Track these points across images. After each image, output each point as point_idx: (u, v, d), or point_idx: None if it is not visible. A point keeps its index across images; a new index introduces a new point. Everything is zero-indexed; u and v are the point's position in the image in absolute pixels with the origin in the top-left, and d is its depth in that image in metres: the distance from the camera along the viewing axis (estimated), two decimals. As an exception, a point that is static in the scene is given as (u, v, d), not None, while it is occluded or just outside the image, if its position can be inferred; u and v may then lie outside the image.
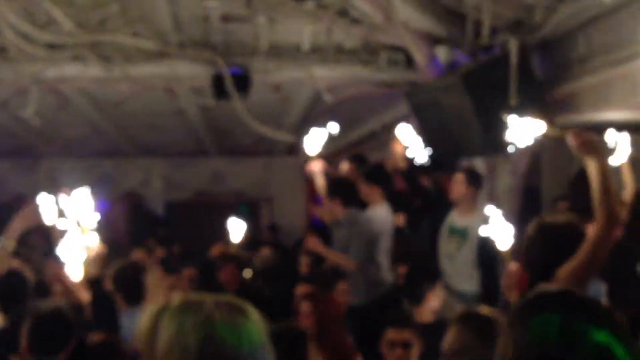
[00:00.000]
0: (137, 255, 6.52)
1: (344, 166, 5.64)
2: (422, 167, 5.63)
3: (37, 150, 9.08)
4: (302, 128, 5.83)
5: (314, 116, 6.92)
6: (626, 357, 1.45)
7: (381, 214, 5.17)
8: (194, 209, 10.37)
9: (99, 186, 3.88)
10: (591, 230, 2.77)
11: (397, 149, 5.35)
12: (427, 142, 5.17)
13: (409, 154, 5.25)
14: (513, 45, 4.57)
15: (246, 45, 5.50)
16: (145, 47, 5.30)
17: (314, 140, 5.13)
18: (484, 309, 2.54)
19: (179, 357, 1.44)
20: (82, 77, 5.60)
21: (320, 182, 5.31)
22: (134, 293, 3.99)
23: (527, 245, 2.99)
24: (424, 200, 5.55)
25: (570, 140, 2.82)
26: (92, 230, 3.41)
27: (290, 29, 5.24)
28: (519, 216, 4.83)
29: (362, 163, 5.62)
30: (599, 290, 3.63)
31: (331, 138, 5.16)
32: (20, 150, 9.02)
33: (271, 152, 9.45)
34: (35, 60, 5.34)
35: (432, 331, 3.63)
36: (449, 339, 2.46)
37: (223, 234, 5.89)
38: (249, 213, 10.11)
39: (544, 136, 3.04)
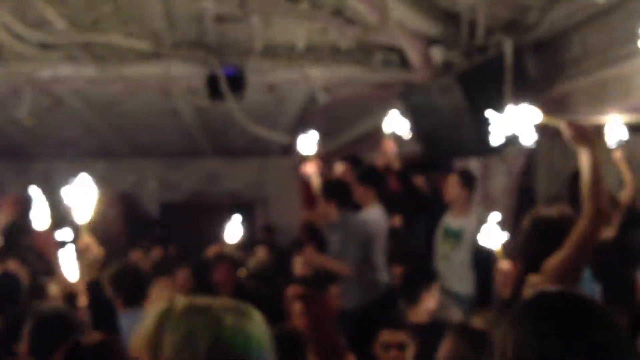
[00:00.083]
0: (135, 255, 6.51)
1: (339, 167, 5.62)
2: (416, 167, 5.63)
3: (30, 151, 9.04)
4: (297, 128, 5.82)
5: (309, 117, 6.92)
6: (624, 358, 1.45)
7: (375, 216, 5.16)
8: (189, 209, 10.35)
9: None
10: (578, 224, 2.75)
11: (388, 147, 5.33)
12: (422, 142, 5.17)
13: (400, 143, 5.23)
14: (507, 46, 4.58)
15: (240, 45, 5.49)
16: (139, 47, 5.29)
17: (308, 142, 5.12)
18: (478, 321, 2.52)
19: None
20: (76, 77, 5.59)
21: (315, 183, 5.30)
22: (133, 295, 3.97)
23: (521, 238, 3.01)
24: (418, 201, 5.55)
25: (565, 129, 2.77)
26: (88, 231, 3.39)
27: (284, 29, 5.24)
28: (514, 216, 4.83)
29: (357, 164, 5.61)
30: (592, 290, 3.62)
31: (322, 140, 5.14)
32: (13, 151, 8.99)
33: (266, 152, 9.44)
34: (29, 60, 5.33)
35: (427, 332, 3.63)
36: (444, 349, 2.46)
37: (218, 234, 5.87)
38: (244, 214, 10.09)
39: (540, 126, 2.97)
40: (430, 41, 5.08)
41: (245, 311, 1.52)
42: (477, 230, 3.58)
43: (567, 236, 2.74)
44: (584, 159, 2.73)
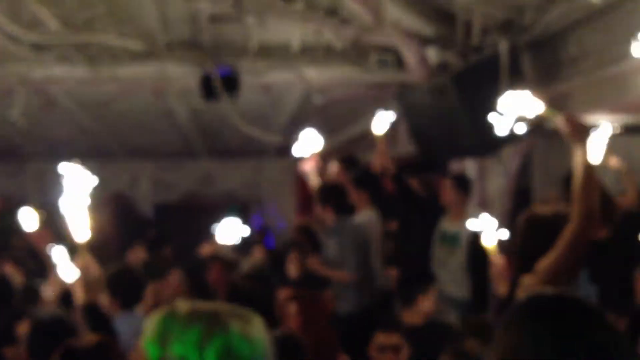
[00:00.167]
0: (133, 255, 6.46)
1: (334, 168, 5.61)
2: (411, 168, 5.61)
3: (23, 151, 9.00)
4: (292, 129, 5.80)
5: (305, 117, 6.90)
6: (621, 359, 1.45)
7: (370, 219, 5.16)
8: (183, 210, 10.31)
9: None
10: (569, 225, 2.69)
11: (382, 150, 5.33)
12: (418, 143, 5.16)
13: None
14: (503, 46, 4.57)
15: (235, 45, 5.48)
16: (132, 47, 5.27)
17: (307, 141, 5.09)
18: (472, 344, 2.51)
19: None
20: (69, 78, 5.57)
21: (313, 181, 5.28)
22: (130, 297, 3.96)
23: (516, 237, 2.99)
24: (413, 204, 5.53)
25: (562, 123, 2.70)
26: (86, 250, 3.36)
27: (279, 30, 5.22)
28: (511, 217, 4.82)
29: (352, 165, 5.59)
30: (588, 292, 3.61)
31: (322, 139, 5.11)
32: (6, 152, 8.94)
33: (261, 153, 9.42)
34: (22, 60, 5.31)
35: (422, 335, 3.63)
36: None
37: (213, 235, 5.84)
38: (239, 214, 10.06)
39: (540, 118, 2.90)
40: (425, 41, 5.07)
41: (247, 316, 1.51)
42: (473, 234, 3.57)
43: (558, 234, 2.69)
44: (579, 157, 2.68)
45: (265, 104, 6.79)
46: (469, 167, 5.36)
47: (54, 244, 3.96)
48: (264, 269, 6.12)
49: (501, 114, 2.89)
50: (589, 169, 2.64)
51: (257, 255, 6.61)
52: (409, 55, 5.12)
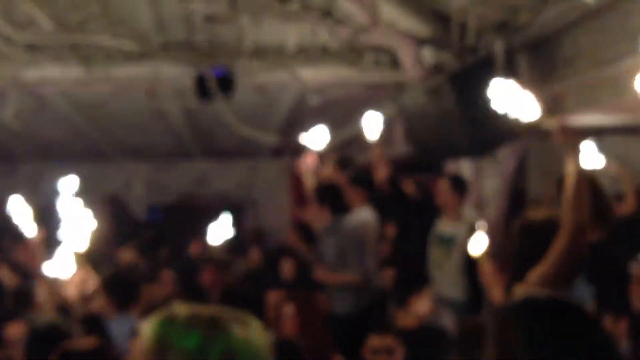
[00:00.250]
0: (126, 255, 6.43)
1: (329, 168, 5.60)
2: (406, 169, 5.60)
3: (16, 154, 8.96)
4: (287, 130, 5.80)
5: (300, 118, 6.89)
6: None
7: (366, 218, 5.15)
8: (177, 212, 10.29)
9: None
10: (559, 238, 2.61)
11: (377, 154, 5.33)
12: (413, 143, 5.16)
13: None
14: (498, 47, 4.57)
15: (230, 46, 5.46)
16: (126, 48, 5.24)
17: (316, 137, 5.04)
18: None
19: None
20: (63, 79, 5.54)
21: (310, 180, 5.27)
22: (126, 299, 3.96)
23: (509, 244, 2.96)
24: (409, 207, 5.54)
25: (557, 131, 2.66)
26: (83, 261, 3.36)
27: (274, 30, 5.20)
28: (506, 218, 4.82)
29: (347, 166, 5.59)
30: (585, 293, 3.61)
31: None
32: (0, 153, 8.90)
33: (256, 154, 9.40)
34: (15, 61, 5.27)
35: (415, 338, 3.63)
36: None
37: (206, 236, 5.83)
38: (233, 216, 10.04)
39: (534, 124, 2.85)
40: (421, 42, 5.07)
41: (247, 320, 1.49)
42: (469, 235, 3.56)
43: (550, 241, 2.62)
44: (571, 166, 2.61)
45: (260, 105, 6.78)
46: (465, 167, 5.35)
47: (47, 246, 3.95)
48: (259, 270, 6.12)
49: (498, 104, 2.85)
50: (580, 177, 2.59)
51: (254, 256, 6.60)
52: (405, 55, 5.11)
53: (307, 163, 5.22)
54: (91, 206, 3.90)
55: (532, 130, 3.28)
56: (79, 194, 3.46)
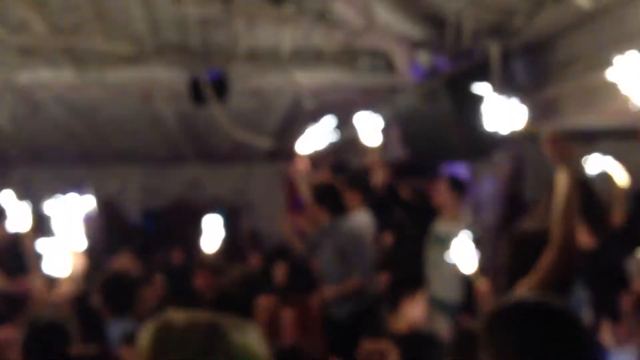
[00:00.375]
0: (122, 261, 6.41)
1: (323, 172, 5.61)
2: (402, 173, 5.60)
3: (9, 157, 8.93)
4: (282, 134, 5.80)
5: (295, 122, 6.89)
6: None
7: (363, 221, 5.15)
8: (172, 216, 10.26)
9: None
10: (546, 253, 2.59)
11: (374, 161, 5.33)
12: (409, 147, 5.17)
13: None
14: (494, 50, 4.58)
15: (224, 49, 5.47)
16: (120, 51, 5.25)
17: (310, 139, 5.03)
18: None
19: None
20: (56, 83, 5.55)
21: (304, 184, 5.26)
22: (122, 303, 3.96)
23: (501, 255, 2.96)
24: (404, 211, 5.54)
25: (546, 143, 2.61)
26: (72, 240, 3.37)
27: (269, 34, 5.21)
28: (503, 223, 4.82)
29: (342, 170, 5.60)
30: (579, 297, 3.60)
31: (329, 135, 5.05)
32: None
33: (251, 158, 9.39)
34: (8, 65, 5.28)
35: (406, 342, 3.63)
36: None
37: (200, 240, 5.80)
38: (229, 219, 10.00)
39: (523, 131, 2.81)
40: (416, 45, 5.07)
41: (245, 326, 1.47)
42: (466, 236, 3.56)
43: (539, 254, 2.61)
44: (561, 179, 2.56)
45: (255, 109, 6.78)
46: (461, 171, 5.36)
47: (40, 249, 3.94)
48: (252, 274, 6.07)
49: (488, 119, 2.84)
50: (571, 192, 2.54)
51: (254, 262, 6.57)
52: (400, 59, 5.13)
53: (300, 168, 5.22)
54: (84, 210, 3.89)
55: (528, 135, 3.27)
56: (72, 198, 3.46)
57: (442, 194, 4.99)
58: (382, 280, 5.02)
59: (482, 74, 4.42)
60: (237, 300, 4.73)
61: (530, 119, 2.73)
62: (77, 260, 3.49)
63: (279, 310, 3.98)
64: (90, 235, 4.00)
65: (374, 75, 5.58)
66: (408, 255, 5.23)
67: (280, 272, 5.95)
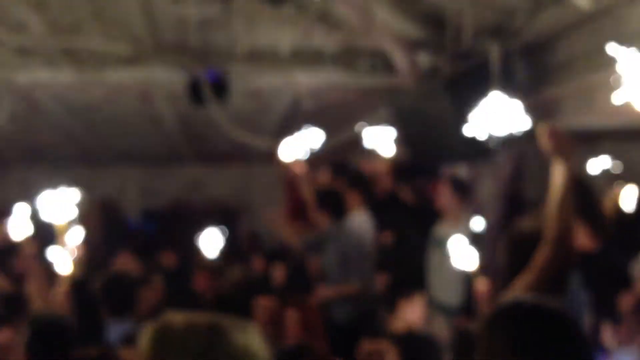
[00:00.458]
0: (123, 262, 6.41)
1: (324, 173, 5.61)
2: (402, 174, 5.61)
3: (8, 157, 8.94)
4: (282, 134, 5.81)
5: (295, 122, 6.89)
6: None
7: (364, 223, 5.15)
8: (171, 217, 10.27)
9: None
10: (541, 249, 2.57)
11: (381, 166, 5.36)
12: (409, 147, 5.18)
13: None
14: (494, 50, 4.58)
15: (224, 50, 5.47)
16: (119, 51, 5.25)
17: (295, 145, 5.07)
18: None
19: None
20: (55, 82, 5.55)
21: (305, 187, 5.27)
22: (122, 304, 3.96)
23: (500, 254, 2.96)
24: (404, 212, 5.55)
25: (544, 136, 2.56)
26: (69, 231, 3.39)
27: (269, 34, 5.22)
28: (503, 223, 4.82)
29: (342, 171, 5.60)
30: (579, 298, 3.60)
31: (314, 144, 5.11)
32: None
33: (250, 159, 9.40)
34: (7, 65, 5.27)
35: (405, 342, 3.64)
36: None
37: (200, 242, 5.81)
38: (228, 221, 10.01)
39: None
40: (416, 46, 5.08)
41: (246, 327, 1.47)
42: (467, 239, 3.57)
43: (534, 252, 2.59)
44: (558, 174, 2.53)
45: (254, 109, 6.80)
46: (461, 172, 5.36)
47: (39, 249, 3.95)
48: (253, 276, 6.08)
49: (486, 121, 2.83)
50: (567, 187, 2.51)
51: (257, 265, 6.56)
52: (400, 59, 5.13)
53: (297, 170, 5.23)
54: (83, 210, 3.90)
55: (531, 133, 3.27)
56: (71, 198, 3.47)
57: (444, 196, 4.97)
58: (381, 281, 5.01)
59: (482, 74, 4.43)
60: (237, 301, 4.75)
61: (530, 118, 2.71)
62: (76, 259, 3.51)
63: (281, 311, 3.98)
64: (89, 235, 4.02)
65: (374, 76, 5.58)
66: (407, 256, 5.24)
67: (279, 273, 5.96)
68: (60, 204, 3.44)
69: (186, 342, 1.39)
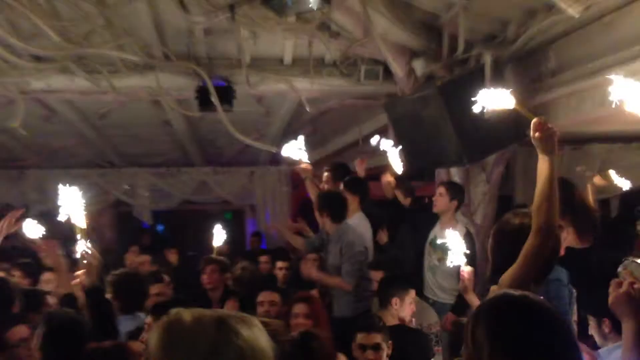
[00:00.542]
0: (134, 258, 6.56)
1: (324, 174, 5.69)
2: (398, 177, 5.69)
3: (23, 161, 9.05)
4: (284, 138, 5.90)
5: (297, 127, 6.99)
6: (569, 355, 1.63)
7: (361, 223, 5.22)
8: (180, 217, 10.39)
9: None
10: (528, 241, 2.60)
11: (389, 179, 5.46)
12: (405, 152, 5.24)
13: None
14: (487, 58, 4.66)
15: (229, 58, 5.57)
16: (130, 59, 5.33)
17: (295, 149, 5.20)
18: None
19: None
20: (69, 89, 5.63)
21: (311, 186, 5.37)
22: (133, 300, 4.06)
23: (489, 246, 3.00)
24: (399, 214, 5.64)
25: (533, 127, 2.54)
26: (85, 235, 3.49)
27: (272, 43, 5.31)
28: (494, 224, 4.89)
29: (340, 171, 5.66)
30: (563, 293, 3.67)
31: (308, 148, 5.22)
32: (6, 161, 9.01)
33: (255, 161, 9.49)
34: (22, 72, 5.38)
35: (396, 334, 3.76)
36: None
37: (209, 241, 5.93)
38: (234, 221, 10.16)
39: (514, 110, 2.67)
40: (412, 54, 5.16)
41: (252, 321, 1.47)
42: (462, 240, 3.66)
43: (521, 247, 2.62)
44: (543, 166, 2.56)
45: (259, 114, 6.86)
46: (454, 174, 5.41)
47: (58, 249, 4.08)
48: (259, 273, 6.19)
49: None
50: (552, 179, 2.53)
51: (263, 262, 6.66)
52: (397, 67, 5.21)
53: (304, 172, 5.34)
54: (97, 211, 4.00)
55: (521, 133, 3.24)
56: (84, 199, 3.58)
57: (440, 200, 5.01)
58: (376, 278, 5.10)
59: (476, 81, 4.52)
60: (243, 297, 4.87)
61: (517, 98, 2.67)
62: (91, 256, 3.57)
63: (290, 305, 4.03)
64: (102, 234, 4.11)
65: (372, 83, 5.65)
66: (401, 256, 5.30)
67: (281, 271, 6.09)
68: (75, 205, 3.50)
69: (194, 337, 1.38)
